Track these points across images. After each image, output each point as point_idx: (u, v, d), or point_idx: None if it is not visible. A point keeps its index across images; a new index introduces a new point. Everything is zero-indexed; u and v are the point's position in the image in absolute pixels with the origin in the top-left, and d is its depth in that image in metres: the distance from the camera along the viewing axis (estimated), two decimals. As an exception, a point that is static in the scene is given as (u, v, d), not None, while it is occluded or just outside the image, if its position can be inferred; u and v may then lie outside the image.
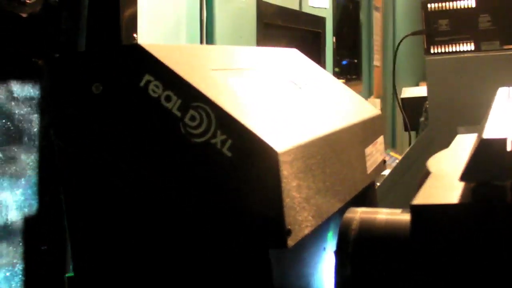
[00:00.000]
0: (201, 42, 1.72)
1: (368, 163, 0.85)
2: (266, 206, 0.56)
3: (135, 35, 1.16)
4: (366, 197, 0.86)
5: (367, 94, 3.57)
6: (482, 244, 0.50)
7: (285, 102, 0.71)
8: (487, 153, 0.50)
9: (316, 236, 0.67)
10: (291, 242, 0.57)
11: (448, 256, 0.51)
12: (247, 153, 0.57)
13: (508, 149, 0.49)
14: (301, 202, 0.59)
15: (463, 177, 0.50)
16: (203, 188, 0.58)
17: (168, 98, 0.58)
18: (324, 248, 0.71)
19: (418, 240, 0.52)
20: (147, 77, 0.59)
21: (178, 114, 0.58)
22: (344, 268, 0.62)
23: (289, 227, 0.57)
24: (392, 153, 3.05)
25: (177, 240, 0.60)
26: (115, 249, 0.63)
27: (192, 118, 0.58)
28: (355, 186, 0.76)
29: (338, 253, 0.63)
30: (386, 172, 1.70)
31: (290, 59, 0.91)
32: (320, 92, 0.84)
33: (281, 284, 0.60)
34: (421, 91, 2.61)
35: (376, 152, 0.90)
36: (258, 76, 0.74)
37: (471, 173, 0.50)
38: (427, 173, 0.65)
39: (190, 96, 0.58)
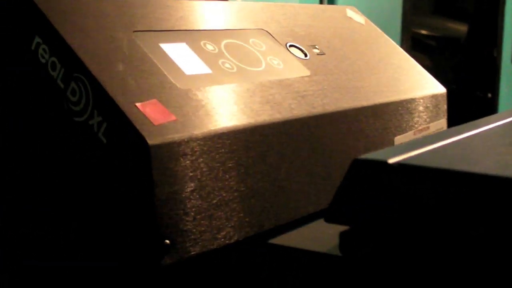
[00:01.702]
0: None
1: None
2: (138, 213, 0.44)
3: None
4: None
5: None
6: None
7: (247, 78, 0.57)
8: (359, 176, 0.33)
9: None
10: (169, 259, 0.44)
11: None
12: (119, 142, 0.45)
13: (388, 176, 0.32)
14: (203, 210, 0.46)
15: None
16: (80, 176, 0.48)
17: (53, 66, 0.48)
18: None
19: None
20: (36, 39, 0.49)
21: (62, 85, 0.48)
22: None
23: (168, 241, 0.44)
24: None
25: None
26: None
27: (73, 92, 0.47)
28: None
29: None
30: None
31: (325, 17, 0.75)
32: (348, 60, 0.67)
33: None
34: None
35: (425, 141, 0.70)
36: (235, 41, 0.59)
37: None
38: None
39: (72, 64, 0.47)
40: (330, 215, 0.39)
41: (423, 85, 0.72)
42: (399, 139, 0.66)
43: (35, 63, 0.49)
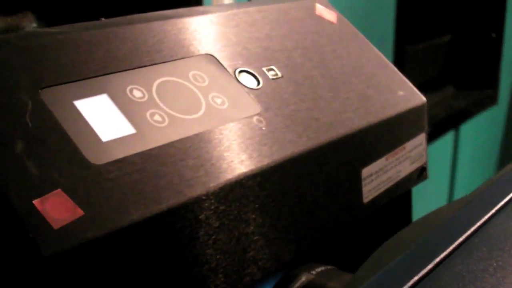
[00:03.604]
0: None
1: (370, 186, 0.60)
2: None
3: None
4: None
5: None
6: None
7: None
8: None
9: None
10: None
11: None
12: (13, 245, 0.38)
13: None
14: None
15: None
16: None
17: None
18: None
19: None
20: None
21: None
22: None
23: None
24: None
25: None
26: None
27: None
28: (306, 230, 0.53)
29: None
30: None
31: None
32: (310, 81, 0.59)
33: None
34: None
35: (398, 164, 0.63)
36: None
37: None
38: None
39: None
40: None
41: (399, 97, 0.64)
42: (367, 171, 0.59)
43: None
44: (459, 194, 2.14)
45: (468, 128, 2.08)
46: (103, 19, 0.60)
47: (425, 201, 1.45)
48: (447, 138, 1.97)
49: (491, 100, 2.20)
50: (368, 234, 0.65)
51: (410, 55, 1.77)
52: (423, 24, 1.89)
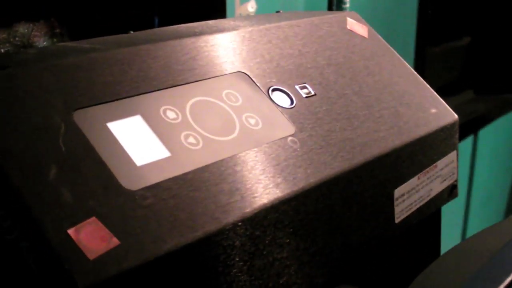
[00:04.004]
0: None
1: (402, 206, 0.58)
2: None
3: None
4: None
5: None
6: None
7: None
8: None
9: None
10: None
11: None
12: (50, 277, 0.37)
13: None
14: None
15: None
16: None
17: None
18: None
19: None
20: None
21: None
22: None
23: None
24: None
25: None
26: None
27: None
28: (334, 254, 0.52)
29: None
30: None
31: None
32: (343, 99, 0.58)
33: None
34: None
35: (430, 182, 0.62)
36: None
37: None
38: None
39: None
40: None
41: (432, 115, 0.63)
42: (399, 191, 0.58)
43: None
44: (476, 199, 2.12)
45: (487, 133, 2.05)
46: (131, 32, 0.59)
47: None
48: (466, 143, 1.95)
49: (511, 104, 2.17)
50: (398, 252, 0.63)
51: (429, 58, 1.75)
52: (443, 26, 1.86)
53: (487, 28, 2.09)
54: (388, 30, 1.51)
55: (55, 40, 0.88)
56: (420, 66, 1.62)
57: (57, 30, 0.89)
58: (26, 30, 0.82)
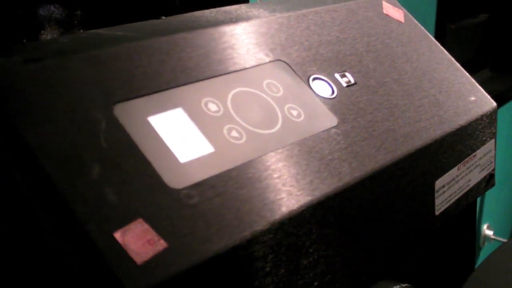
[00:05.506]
0: None
1: (442, 198, 0.57)
2: None
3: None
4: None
5: None
6: None
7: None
8: None
9: None
10: None
11: None
12: (95, 282, 0.36)
13: None
14: None
15: None
16: None
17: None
18: None
19: None
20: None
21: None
22: None
23: None
24: None
25: None
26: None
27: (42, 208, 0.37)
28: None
29: None
30: None
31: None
32: (383, 88, 0.56)
33: None
34: None
35: (469, 172, 0.60)
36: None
37: None
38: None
39: (32, 171, 0.37)
40: None
41: (471, 103, 0.61)
42: (440, 182, 0.56)
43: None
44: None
45: (504, 112, 2.02)
46: (163, 17, 0.57)
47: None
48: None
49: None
50: (436, 245, 0.62)
51: (449, 35, 1.72)
52: (462, 3, 1.83)
53: (505, 2, 2.05)
54: (409, 7, 1.48)
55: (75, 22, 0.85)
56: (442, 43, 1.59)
57: (78, 12, 0.87)
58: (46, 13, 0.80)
